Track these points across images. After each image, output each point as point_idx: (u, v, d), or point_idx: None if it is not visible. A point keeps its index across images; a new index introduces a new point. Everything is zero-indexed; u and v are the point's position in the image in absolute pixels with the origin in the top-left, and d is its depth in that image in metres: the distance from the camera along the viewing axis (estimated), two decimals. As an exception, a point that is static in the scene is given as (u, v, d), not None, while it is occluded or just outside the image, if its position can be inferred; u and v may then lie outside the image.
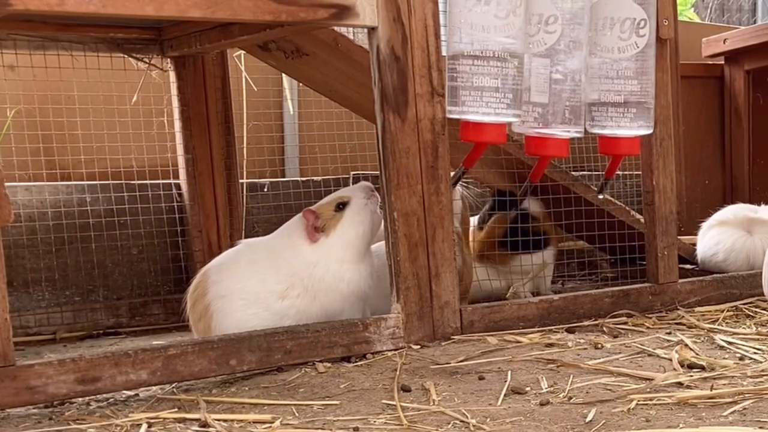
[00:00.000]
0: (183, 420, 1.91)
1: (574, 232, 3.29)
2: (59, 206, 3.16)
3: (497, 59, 2.45)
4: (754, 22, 6.69)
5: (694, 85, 4.58)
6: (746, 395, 1.92)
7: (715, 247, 3.28)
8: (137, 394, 2.14)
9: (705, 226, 3.41)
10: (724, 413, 1.81)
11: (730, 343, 2.43)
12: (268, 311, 2.42)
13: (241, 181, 3.41)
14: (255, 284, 2.43)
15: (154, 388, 2.15)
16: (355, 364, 2.32)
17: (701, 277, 3.02)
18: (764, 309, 2.88)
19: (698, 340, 2.49)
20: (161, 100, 3.33)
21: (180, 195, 3.32)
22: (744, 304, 2.96)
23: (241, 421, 1.88)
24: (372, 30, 2.42)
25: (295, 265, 2.44)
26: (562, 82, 2.62)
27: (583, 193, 3.15)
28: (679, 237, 3.09)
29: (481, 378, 2.15)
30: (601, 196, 3.09)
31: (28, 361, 2.03)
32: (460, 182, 2.78)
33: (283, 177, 3.84)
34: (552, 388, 2.04)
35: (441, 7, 2.52)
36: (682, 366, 2.19)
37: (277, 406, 1.98)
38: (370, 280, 2.53)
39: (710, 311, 2.87)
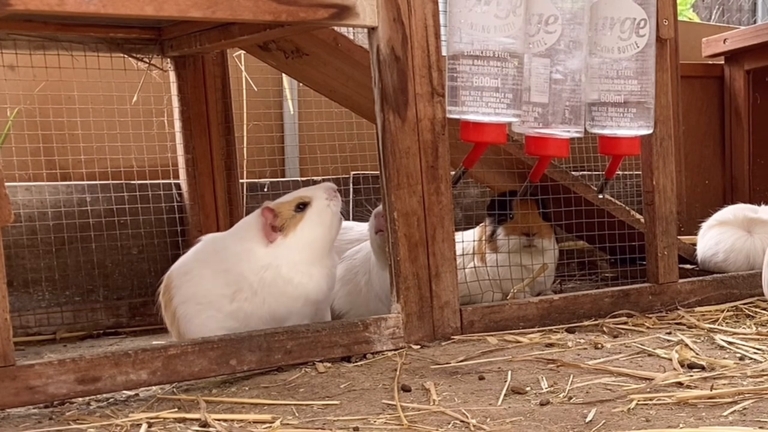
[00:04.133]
0: (183, 420, 1.91)
1: (574, 232, 3.29)
2: (59, 206, 3.16)
3: (497, 59, 2.45)
4: (754, 22, 6.69)
5: (694, 85, 4.58)
6: (746, 395, 1.92)
7: (715, 247, 3.28)
8: (137, 394, 2.14)
9: (705, 226, 3.40)
10: (724, 413, 1.81)
11: (730, 343, 2.43)
12: (221, 313, 2.40)
13: (241, 181, 3.41)
14: (207, 288, 2.40)
15: (154, 388, 2.15)
16: (355, 364, 2.33)
17: (701, 277, 3.02)
18: (764, 309, 2.88)
19: (698, 340, 2.49)
20: (161, 100, 3.33)
21: (180, 195, 3.32)
22: (744, 304, 2.96)
23: (241, 421, 1.88)
24: (372, 30, 2.42)
25: (245, 267, 2.39)
26: (562, 82, 2.62)
27: (583, 193, 3.15)
28: (679, 237, 3.09)
29: (481, 378, 2.15)
30: (601, 196, 3.09)
31: (28, 361, 2.03)
32: None
33: (283, 177, 3.85)
34: (552, 388, 2.04)
35: (441, 7, 2.52)
36: (682, 366, 2.19)
37: (277, 406, 1.98)
38: (325, 283, 2.46)
39: (710, 311, 2.87)
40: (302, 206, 2.45)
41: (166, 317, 2.49)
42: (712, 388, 1.97)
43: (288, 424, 1.85)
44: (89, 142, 3.24)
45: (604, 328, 2.65)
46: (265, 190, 3.56)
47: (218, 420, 1.87)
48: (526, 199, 3.04)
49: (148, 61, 3.16)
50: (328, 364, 2.31)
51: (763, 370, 2.12)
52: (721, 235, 3.29)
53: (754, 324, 2.68)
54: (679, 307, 2.89)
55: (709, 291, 2.99)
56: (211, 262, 2.43)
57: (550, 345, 2.46)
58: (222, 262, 2.42)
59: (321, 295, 2.47)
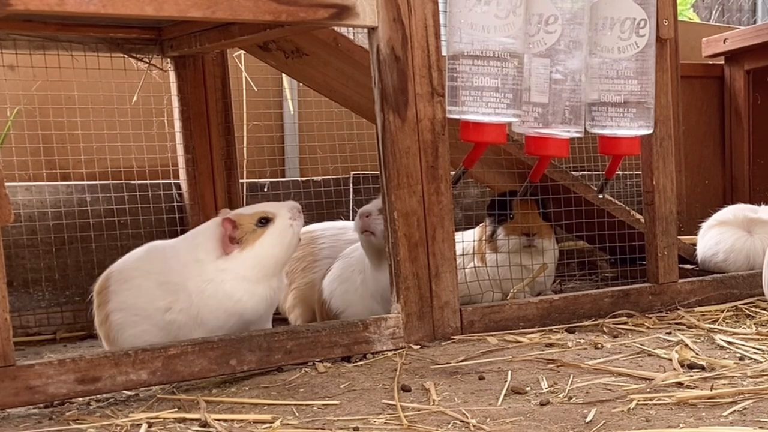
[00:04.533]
0: (183, 420, 1.91)
1: (574, 232, 3.29)
2: (59, 206, 3.16)
3: (497, 59, 2.45)
4: (754, 22, 6.70)
5: (694, 85, 4.58)
6: (746, 395, 1.92)
7: (715, 247, 3.28)
8: (137, 394, 2.14)
9: (705, 226, 3.40)
10: (724, 413, 1.81)
11: (730, 343, 2.43)
12: (156, 327, 2.33)
13: (241, 181, 3.41)
14: (145, 301, 2.33)
15: (154, 388, 2.15)
16: (355, 364, 2.33)
17: (701, 277, 3.02)
18: (764, 309, 2.88)
19: (698, 340, 2.49)
20: (161, 100, 3.33)
21: (180, 195, 3.32)
22: (744, 304, 2.96)
23: (241, 421, 1.88)
24: (372, 30, 2.42)
25: (189, 278, 2.32)
26: (562, 82, 2.62)
27: (583, 193, 3.15)
28: (679, 237, 3.09)
29: (481, 378, 2.15)
30: (601, 196, 3.09)
31: (28, 361, 2.03)
32: None
33: (283, 177, 3.85)
34: (552, 388, 2.04)
35: (441, 7, 2.52)
36: (682, 366, 2.19)
37: (277, 406, 1.98)
38: (263, 303, 2.40)
39: (710, 311, 2.87)
40: (264, 221, 2.38)
41: (97, 317, 2.43)
42: (712, 388, 1.97)
43: (288, 424, 1.85)
44: (89, 142, 3.24)
45: (604, 328, 2.65)
46: (265, 190, 3.56)
47: (218, 420, 1.87)
48: (526, 199, 3.04)
49: (148, 61, 3.16)
50: (328, 364, 2.31)
51: (763, 370, 2.12)
52: (721, 235, 3.29)
53: (754, 324, 2.68)
54: (679, 307, 2.89)
55: (709, 291, 2.99)
56: (155, 273, 2.35)
57: (550, 345, 2.46)
58: (165, 274, 2.34)
59: (255, 316, 2.40)
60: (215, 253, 2.34)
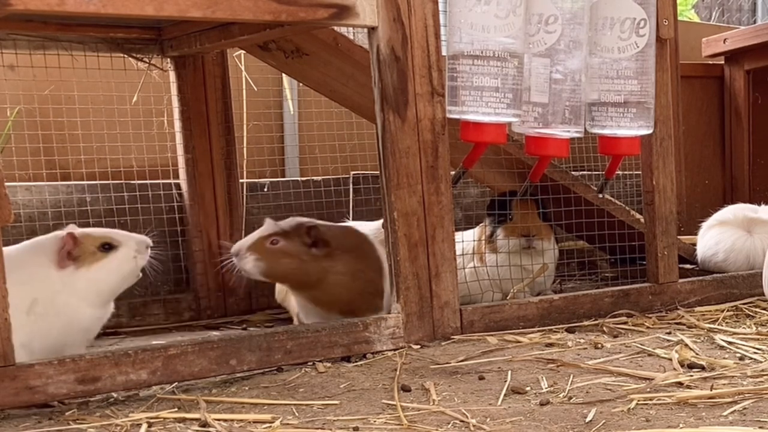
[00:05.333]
0: (183, 420, 1.91)
1: (574, 232, 3.29)
2: (59, 206, 3.16)
3: (497, 59, 2.45)
4: (754, 22, 6.69)
5: (694, 85, 4.58)
6: (746, 395, 1.92)
7: (715, 247, 3.28)
8: (137, 394, 2.14)
9: (705, 226, 3.41)
10: (724, 413, 1.81)
11: (730, 343, 2.43)
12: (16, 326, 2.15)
13: (241, 181, 3.41)
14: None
15: (154, 388, 2.15)
16: (355, 363, 2.33)
17: (701, 277, 3.02)
18: (764, 309, 2.88)
19: (698, 340, 2.49)
20: (161, 100, 3.33)
21: (180, 195, 3.32)
22: (744, 304, 2.96)
23: (241, 421, 1.88)
24: (372, 30, 2.42)
25: (40, 287, 2.23)
26: (562, 82, 2.62)
27: (583, 193, 3.15)
28: (679, 237, 3.09)
29: (481, 378, 2.15)
30: (601, 196, 3.09)
31: (28, 361, 2.03)
32: None
33: (283, 177, 3.85)
34: (552, 388, 2.04)
35: (441, 7, 2.52)
36: (682, 366, 2.19)
37: (277, 406, 1.99)
38: (100, 327, 2.35)
39: (710, 311, 2.87)
40: (107, 246, 2.31)
41: None
42: (712, 388, 1.97)
43: (288, 424, 1.85)
44: (89, 142, 3.24)
45: (604, 328, 2.65)
46: (265, 190, 3.56)
47: (218, 420, 1.87)
48: (525, 199, 3.04)
49: (148, 61, 3.16)
50: (328, 364, 2.31)
51: (763, 370, 2.12)
52: (721, 235, 3.29)
53: (754, 324, 2.68)
54: (679, 307, 2.90)
55: (709, 291, 2.99)
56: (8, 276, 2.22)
57: (550, 345, 2.46)
58: (19, 277, 2.20)
59: (92, 335, 2.37)
60: (54, 266, 2.27)
